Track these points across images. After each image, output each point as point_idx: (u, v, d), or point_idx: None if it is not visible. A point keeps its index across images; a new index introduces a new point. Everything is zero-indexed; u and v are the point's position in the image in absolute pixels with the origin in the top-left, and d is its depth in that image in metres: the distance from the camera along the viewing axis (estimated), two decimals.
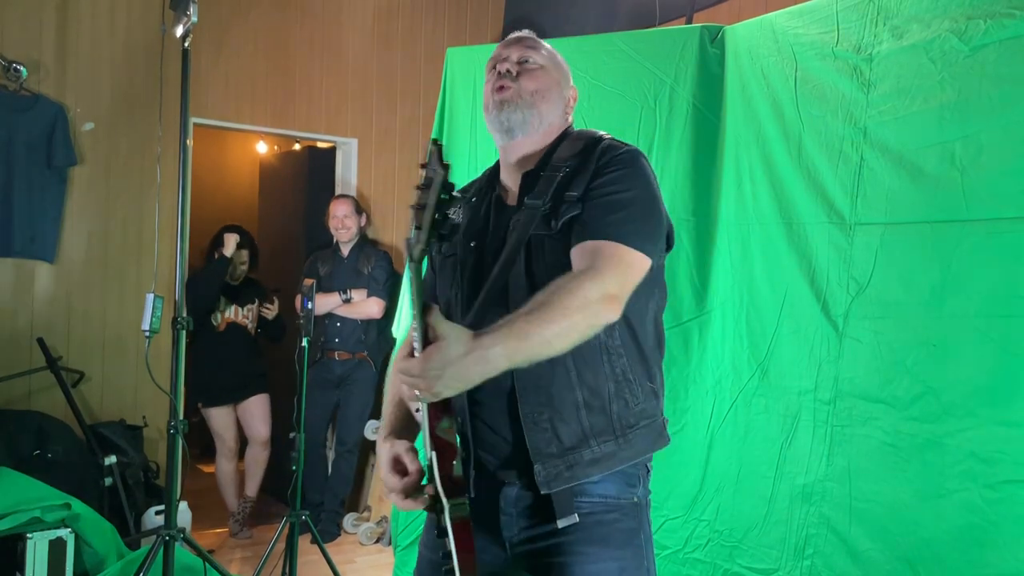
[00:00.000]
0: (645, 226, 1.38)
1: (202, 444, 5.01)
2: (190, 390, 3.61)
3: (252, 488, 4.23)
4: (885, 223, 2.10)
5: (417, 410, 1.34)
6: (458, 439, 1.37)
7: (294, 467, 3.07)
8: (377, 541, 4.15)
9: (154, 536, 2.66)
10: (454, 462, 1.32)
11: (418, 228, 1.17)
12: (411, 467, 1.33)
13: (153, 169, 3.96)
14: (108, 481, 3.48)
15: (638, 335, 1.43)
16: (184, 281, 2.78)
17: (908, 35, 2.07)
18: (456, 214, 1.58)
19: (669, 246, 1.50)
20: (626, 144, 1.47)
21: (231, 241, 4.00)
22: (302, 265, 4.41)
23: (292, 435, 3.10)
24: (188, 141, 2.82)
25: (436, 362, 1.15)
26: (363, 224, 4.33)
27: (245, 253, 4.12)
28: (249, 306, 4.14)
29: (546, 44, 1.58)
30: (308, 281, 3.19)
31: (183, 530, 2.66)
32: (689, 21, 3.51)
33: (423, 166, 1.20)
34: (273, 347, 4.38)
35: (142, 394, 3.89)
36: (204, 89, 4.09)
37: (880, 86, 2.13)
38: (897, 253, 2.07)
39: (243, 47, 4.25)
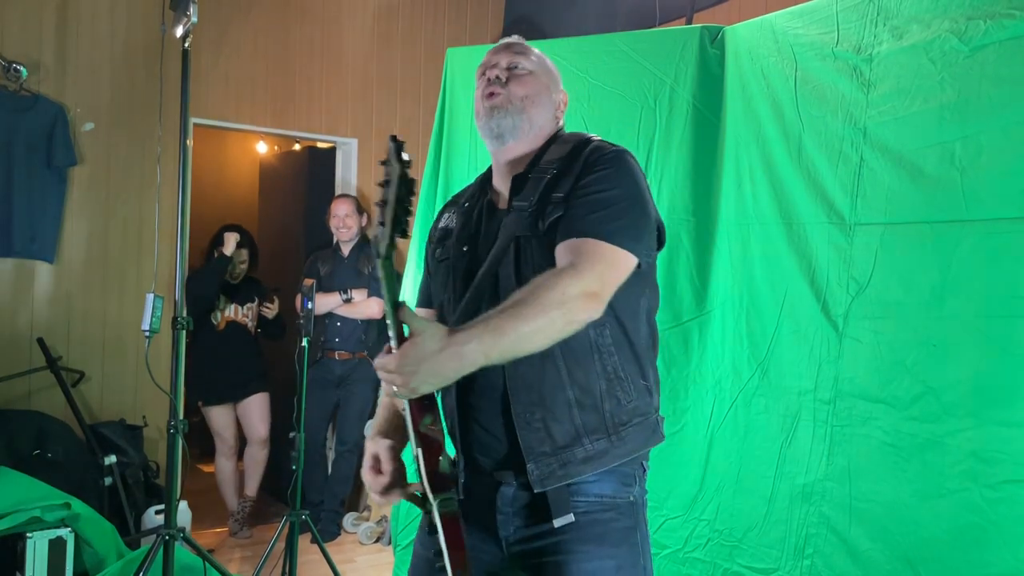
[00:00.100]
0: (629, 224, 1.37)
1: (202, 444, 5.01)
2: (190, 389, 3.61)
3: (252, 488, 4.23)
4: (885, 223, 2.10)
5: (404, 408, 1.34)
6: (447, 439, 1.39)
7: (294, 467, 3.07)
8: (377, 540, 4.16)
9: (154, 536, 2.66)
10: (440, 458, 1.32)
11: (382, 224, 1.17)
12: (386, 467, 1.35)
13: (153, 169, 3.96)
14: (108, 481, 3.48)
15: (630, 333, 1.44)
16: (184, 281, 2.78)
17: (908, 35, 2.07)
18: (449, 219, 1.60)
19: (661, 245, 1.51)
20: (614, 145, 1.48)
21: (231, 240, 4.00)
22: (302, 265, 4.42)
23: (292, 435, 3.10)
24: (188, 141, 2.82)
25: (411, 358, 1.16)
26: (364, 224, 4.33)
27: (245, 252, 4.13)
28: (249, 305, 4.14)
29: (535, 49, 1.58)
30: (308, 281, 3.19)
31: (183, 530, 2.66)
32: (689, 21, 3.51)
33: (383, 163, 1.21)
34: (273, 346, 4.38)
35: (142, 394, 3.90)
36: (204, 89, 4.09)
37: (880, 86, 2.13)
38: (897, 253, 2.07)
39: (243, 47, 4.25)
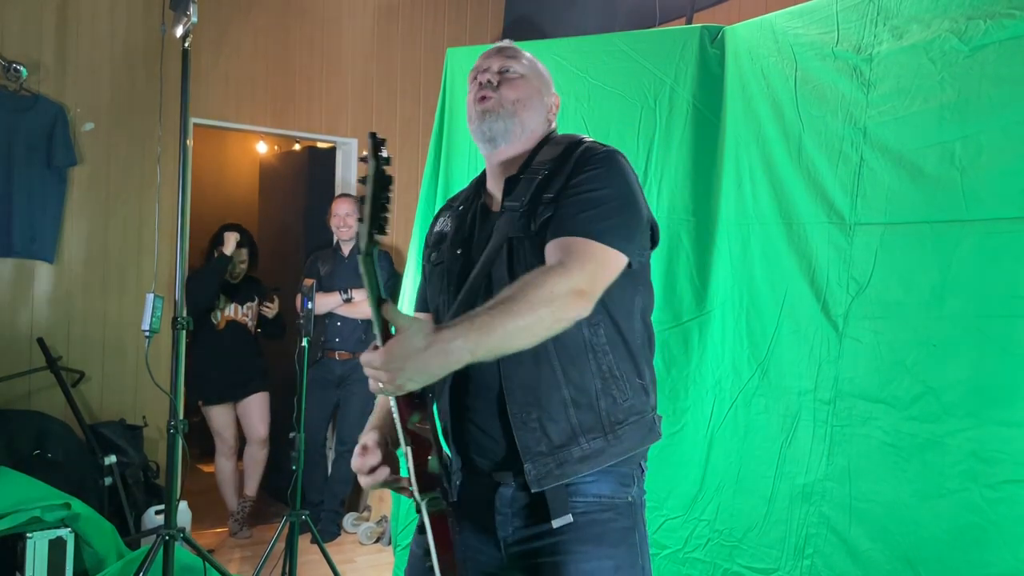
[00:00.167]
0: (619, 223, 1.38)
1: (202, 444, 5.01)
2: (190, 388, 3.61)
3: (251, 487, 4.23)
4: (885, 223, 2.10)
5: (392, 406, 1.35)
6: (442, 441, 1.39)
7: (294, 467, 3.07)
8: (377, 541, 4.16)
9: (154, 536, 2.66)
10: (429, 457, 1.33)
11: (360, 220, 1.18)
12: (372, 449, 1.37)
13: (153, 169, 3.96)
14: (108, 481, 3.48)
15: (624, 332, 1.43)
16: (184, 281, 2.78)
17: (908, 35, 2.07)
18: (444, 223, 1.61)
19: (654, 244, 1.51)
20: (605, 146, 1.48)
21: (231, 240, 4.00)
22: (302, 265, 4.42)
23: (292, 435, 3.10)
24: (188, 141, 2.82)
25: (396, 355, 1.16)
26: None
27: (245, 252, 4.13)
28: (249, 304, 4.14)
29: (527, 53, 1.59)
30: (308, 281, 3.19)
31: (183, 530, 2.66)
32: (689, 21, 3.51)
33: (362, 159, 1.21)
34: (273, 346, 4.38)
35: (142, 394, 3.90)
36: (204, 89, 4.09)
37: (880, 86, 2.13)
38: (897, 253, 2.07)
39: (243, 47, 4.25)
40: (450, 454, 1.42)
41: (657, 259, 2.65)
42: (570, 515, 1.37)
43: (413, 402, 1.32)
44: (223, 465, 4.17)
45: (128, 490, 3.57)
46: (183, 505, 3.58)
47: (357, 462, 1.39)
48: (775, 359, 2.36)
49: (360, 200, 1.19)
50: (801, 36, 2.35)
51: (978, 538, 1.84)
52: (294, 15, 4.41)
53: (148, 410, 3.91)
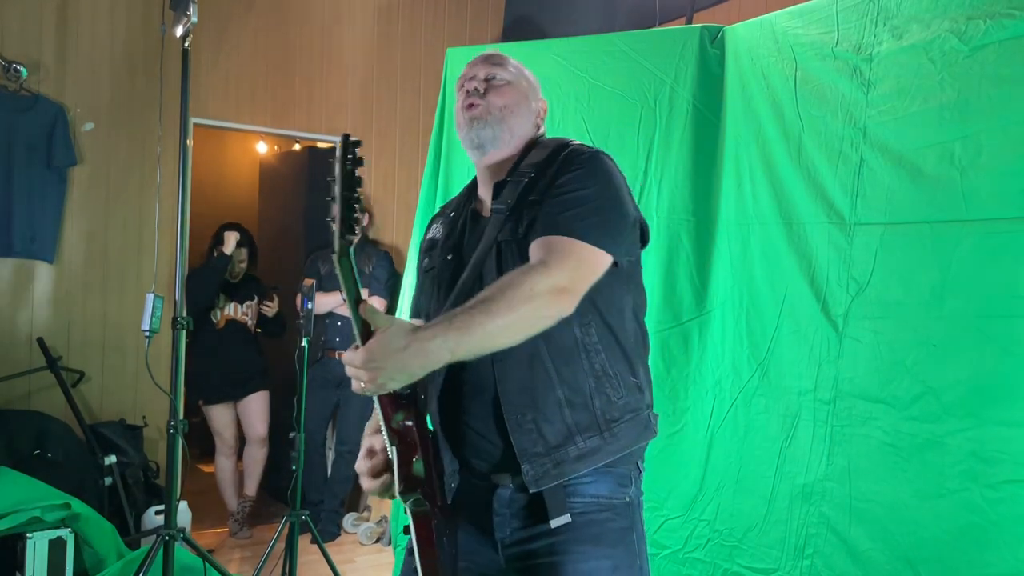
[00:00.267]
0: (602, 222, 1.38)
1: (202, 444, 5.02)
2: (190, 388, 3.61)
3: (251, 487, 4.23)
4: (885, 223, 2.10)
5: (375, 405, 1.36)
6: (442, 443, 1.39)
7: (294, 467, 3.07)
8: (377, 541, 4.16)
9: (154, 536, 2.66)
10: (414, 459, 1.34)
11: (331, 220, 1.18)
12: (380, 456, 1.39)
13: (153, 169, 3.96)
14: (108, 481, 3.48)
15: (616, 332, 1.44)
16: (184, 281, 2.78)
17: (908, 35, 2.07)
18: (436, 230, 1.62)
19: (644, 243, 1.51)
20: (592, 148, 1.49)
21: (231, 239, 4.01)
22: (302, 265, 4.42)
23: (292, 435, 3.10)
24: (188, 141, 2.82)
25: (376, 354, 1.16)
26: (366, 223, 4.33)
27: (244, 251, 4.13)
28: (248, 303, 4.14)
29: (513, 59, 1.60)
30: (308, 281, 3.19)
31: (183, 530, 2.66)
32: (689, 21, 3.51)
33: (331, 159, 1.23)
34: (273, 346, 4.38)
35: (142, 394, 3.90)
36: (204, 89, 4.09)
37: (880, 86, 2.13)
38: (897, 253, 2.07)
39: (243, 47, 4.25)
40: (447, 457, 1.42)
41: (657, 259, 2.66)
42: (568, 515, 1.37)
43: (399, 402, 1.33)
44: (223, 465, 4.17)
45: (128, 490, 3.57)
46: (183, 505, 3.58)
47: (363, 465, 1.40)
48: (775, 359, 2.36)
49: (332, 201, 1.19)
50: (801, 36, 2.35)
51: (978, 538, 1.84)
52: (294, 15, 4.41)
53: (148, 410, 3.91)
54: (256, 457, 4.21)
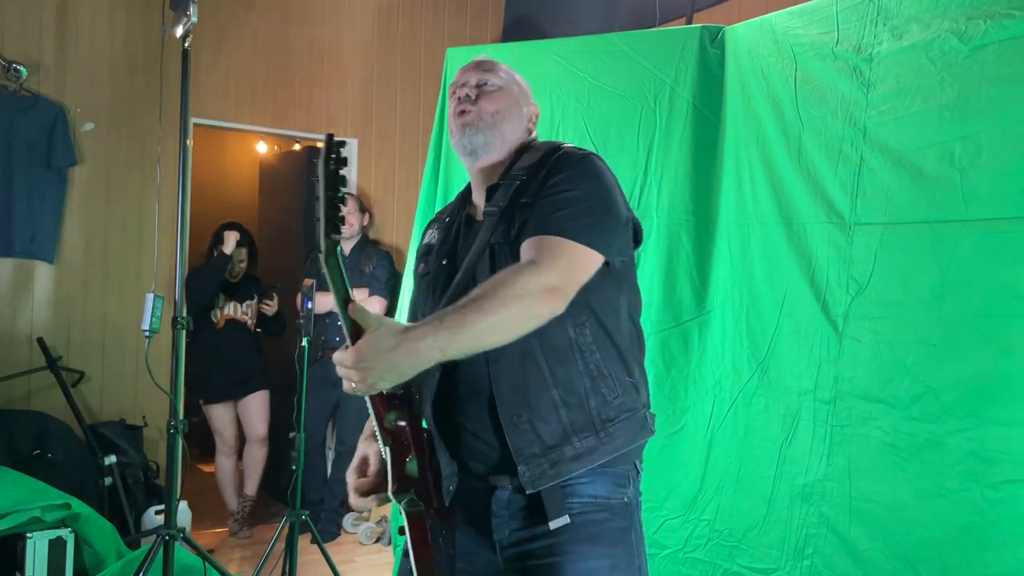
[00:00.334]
0: (593, 222, 1.38)
1: (202, 444, 5.02)
2: (190, 388, 3.62)
3: (251, 487, 4.23)
4: (885, 223, 2.10)
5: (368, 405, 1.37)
6: (439, 446, 1.40)
7: (294, 467, 3.07)
8: (377, 541, 4.16)
9: (154, 536, 2.66)
10: (407, 459, 1.34)
11: (316, 220, 1.19)
12: (371, 469, 1.40)
13: (153, 169, 3.96)
14: (108, 481, 3.48)
15: (611, 332, 1.44)
16: (184, 281, 2.78)
17: (908, 35, 2.07)
18: (432, 235, 1.63)
19: (637, 243, 1.52)
20: (583, 150, 1.49)
21: (231, 239, 4.01)
22: (302, 265, 4.41)
23: (292, 435, 3.10)
24: (188, 141, 2.82)
25: (366, 354, 1.17)
26: (366, 223, 4.33)
27: (244, 251, 4.13)
28: (248, 302, 4.14)
29: (503, 65, 1.61)
30: (308, 281, 3.19)
31: (183, 530, 2.66)
32: (689, 21, 3.51)
33: (315, 160, 1.24)
34: (273, 345, 4.38)
35: (142, 394, 3.90)
36: (204, 89, 4.09)
37: (880, 86, 2.13)
38: (897, 253, 2.07)
39: (243, 47, 4.25)
40: (444, 460, 1.43)
41: (657, 259, 2.66)
42: (567, 516, 1.37)
43: (392, 402, 1.34)
44: (223, 464, 4.17)
45: (128, 490, 3.57)
46: (183, 505, 3.58)
47: (355, 482, 1.41)
48: (775, 359, 2.36)
49: (316, 201, 1.20)
50: (801, 36, 2.35)
51: (978, 538, 1.84)
52: (294, 15, 4.41)
53: (148, 410, 3.91)
54: (256, 457, 4.21)
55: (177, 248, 2.77)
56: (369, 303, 4.12)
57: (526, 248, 1.35)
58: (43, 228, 3.72)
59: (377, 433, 1.34)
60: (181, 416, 2.64)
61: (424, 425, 1.45)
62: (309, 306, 3.12)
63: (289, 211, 5.03)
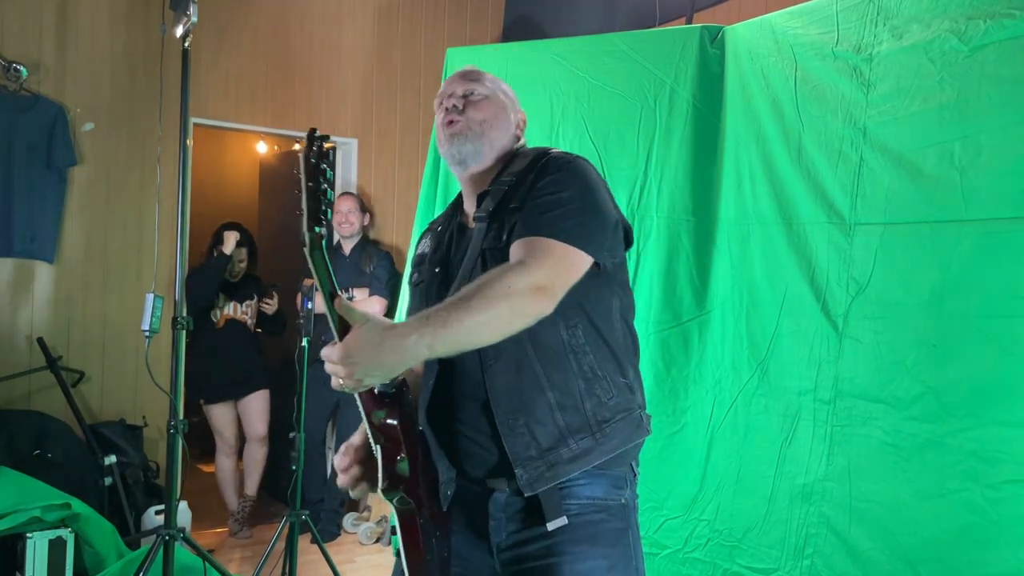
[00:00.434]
0: (582, 223, 1.38)
1: (202, 444, 5.01)
2: (191, 388, 3.61)
3: (252, 487, 4.23)
4: (885, 223, 2.10)
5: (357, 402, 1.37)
6: (436, 451, 1.41)
7: (294, 467, 3.07)
8: (377, 541, 4.16)
9: (154, 536, 2.66)
10: (399, 457, 1.34)
11: (299, 213, 1.20)
12: (353, 453, 1.41)
13: (153, 169, 3.96)
14: (108, 481, 3.48)
15: (604, 334, 1.44)
16: (184, 281, 2.78)
17: (908, 35, 2.07)
18: (425, 244, 1.64)
19: (628, 245, 1.52)
20: (570, 154, 1.51)
21: (231, 239, 4.01)
22: (302, 265, 4.40)
23: (292, 435, 3.10)
24: (188, 141, 2.82)
25: (352, 350, 1.17)
26: (366, 223, 4.33)
27: (244, 251, 4.13)
28: (248, 302, 4.14)
29: (489, 74, 1.62)
30: (308, 281, 3.19)
31: (183, 530, 2.66)
32: (689, 21, 3.51)
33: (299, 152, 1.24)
34: (273, 345, 4.38)
35: (142, 394, 3.89)
36: (204, 89, 4.09)
37: (880, 86, 2.13)
38: (897, 253, 2.07)
39: (243, 47, 4.25)
40: (442, 465, 1.43)
41: (657, 259, 2.66)
42: (565, 517, 1.37)
43: (382, 400, 1.34)
44: (224, 464, 4.17)
45: (128, 490, 3.57)
46: (183, 505, 3.58)
47: (339, 460, 1.42)
48: (775, 359, 2.36)
49: (299, 194, 1.20)
50: (801, 36, 2.35)
51: (979, 538, 1.84)
52: (294, 15, 4.41)
53: (148, 410, 3.91)
54: (256, 457, 4.21)
55: (177, 248, 2.77)
56: (369, 303, 4.12)
57: (515, 249, 1.36)
58: (43, 228, 3.72)
59: (368, 430, 1.34)
60: (181, 416, 2.64)
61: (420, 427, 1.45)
62: (309, 306, 3.12)
63: (289, 211, 4.98)
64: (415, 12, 4.79)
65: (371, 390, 1.31)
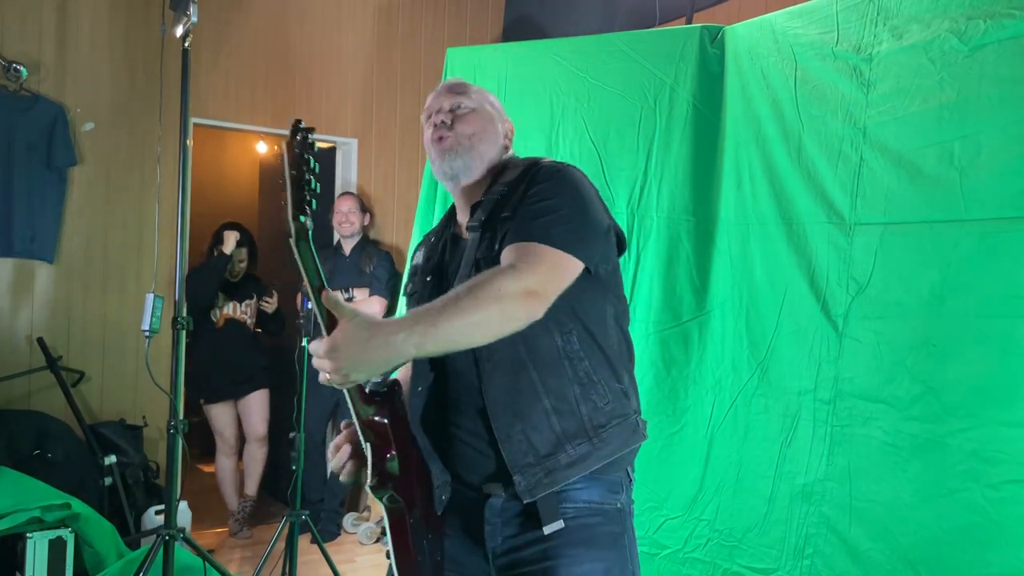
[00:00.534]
0: (573, 229, 1.39)
1: (202, 444, 5.02)
2: (191, 388, 3.61)
3: (252, 487, 4.23)
4: (885, 223, 2.10)
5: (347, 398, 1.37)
6: (431, 456, 1.41)
7: (294, 467, 3.07)
8: (377, 541, 4.16)
9: (154, 536, 2.66)
10: (387, 456, 1.33)
11: (284, 204, 1.20)
12: (343, 439, 1.41)
13: (153, 169, 3.96)
14: (108, 481, 3.48)
15: (599, 340, 1.45)
16: (184, 281, 2.78)
17: (908, 35, 2.07)
18: (420, 256, 1.65)
19: (621, 251, 1.53)
20: (561, 163, 1.51)
21: (231, 239, 4.01)
22: None
23: (292, 435, 3.10)
24: (188, 141, 2.82)
25: (339, 344, 1.16)
26: (367, 223, 4.33)
27: (244, 251, 4.13)
28: (248, 302, 4.15)
29: (474, 86, 1.63)
30: None
31: (183, 530, 2.66)
32: (689, 21, 3.51)
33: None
34: (273, 345, 4.38)
35: (142, 394, 3.89)
36: (204, 89, 4.09)
37: (880, 86, 2.13)
38: (897, 253, 2.07)
39: (243, 47, 4.25)
40: (436, 469, 1.43)
41: (657, 259, 2.66)
42: (561, 521, 1.38)
43: (373, 398, 1.34)
44: (224, 464, 4.17)
45: (128, 490, 3.57)
46: (183, 505, 3.58)
47: (335, 453, 1.42)
48: (775, 359, 2.36)
49: (283, 187, 1.20)
50: (801, 36, 2.35)
51: (979, 538, 1.84)
52: (294, 15, 4.41)
53: (148, 410, 3.91)
54: (256, 456, 4.21)
55: (177, 248, 2.77)
56: (369, 303, 4.12)
57: (506, 254, 1.36)
58: (43, 228, 3.72)
59: (357, 427, 1.33)
60: (181, 416, 2.64)
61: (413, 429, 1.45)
62: (309, 306, 3.12)
63: None
64: (415, 12, 4.79)
65: (360, 387, 1.30)
